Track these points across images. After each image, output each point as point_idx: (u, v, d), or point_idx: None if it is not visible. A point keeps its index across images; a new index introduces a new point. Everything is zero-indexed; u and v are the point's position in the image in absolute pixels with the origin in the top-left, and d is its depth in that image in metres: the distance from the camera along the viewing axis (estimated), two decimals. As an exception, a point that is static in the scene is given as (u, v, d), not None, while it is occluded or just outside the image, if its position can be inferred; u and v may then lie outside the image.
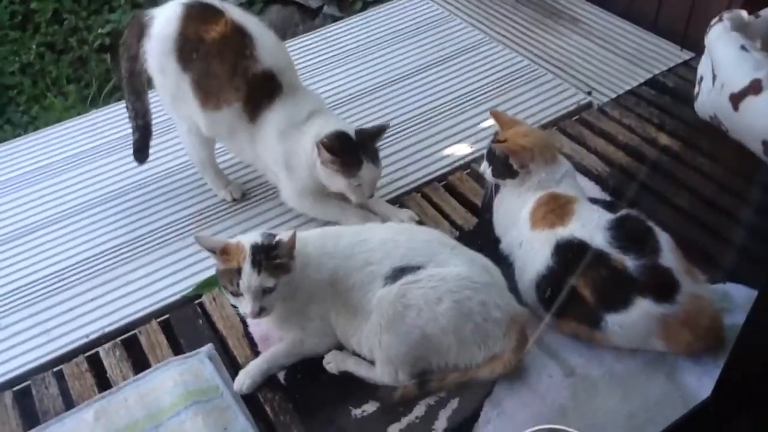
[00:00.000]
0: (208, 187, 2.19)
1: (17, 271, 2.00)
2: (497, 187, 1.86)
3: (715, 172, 2.07)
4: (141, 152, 2.12)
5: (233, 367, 1.68)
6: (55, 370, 1.73)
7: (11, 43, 4.45)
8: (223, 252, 1.50)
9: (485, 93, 2.51)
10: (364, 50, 2.79)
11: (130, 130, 2.15)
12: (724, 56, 2.04)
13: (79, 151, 2.42)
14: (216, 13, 1.89)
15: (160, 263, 1.99)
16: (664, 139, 2.22)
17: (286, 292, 1.52)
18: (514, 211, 1.79)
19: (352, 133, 1.85)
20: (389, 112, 2.45)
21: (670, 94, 2.40)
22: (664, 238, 1.62)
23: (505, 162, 1.76)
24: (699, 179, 2.06)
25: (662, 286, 1.54)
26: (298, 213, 2.07)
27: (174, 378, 1.63)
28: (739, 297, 1.70)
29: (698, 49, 2.31)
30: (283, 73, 1.92)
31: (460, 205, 2.06)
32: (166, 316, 1.84)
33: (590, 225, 1.63)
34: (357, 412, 1.57)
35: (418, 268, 1.54)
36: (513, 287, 1.69)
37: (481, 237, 1.92)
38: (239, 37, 1.87)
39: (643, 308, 1.53)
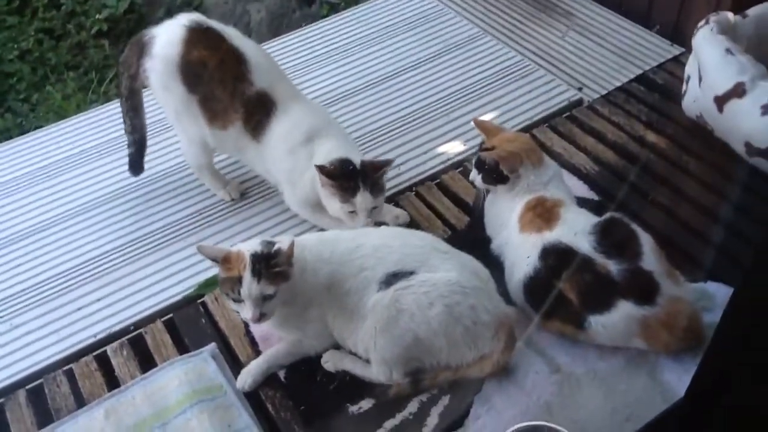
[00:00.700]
0: (206, 187, 2.25)
1: (25, 272, 2.07)
2: (488, 189, 1.93)
3: (700, 172, 2.14)
4: (136, 166, 2.20)
5: (236, 365, 1.76)
6: (65, 368, 1.81)
7: (9, 29, 4.47)
8: (224, 261, 1.57)
9: (477, 90, 2.56)
10: (358, 46, 2.82)
11: None
12: (709, 59, 2.10)
13: (80, 149, 2.48)
14: (217, 38, 1.97)
15: (163, 263, 2.07)
16: (651, 137, 2.28)
17: (286, 297, 1.60)
18: (504, 213, 1.86)
19: (357, 159, 1.90)
20: (382, 110, 2.51)
21: (659, 91, 2.46)
22: (646, 241, 1.69)
23: (496, 169, 1.82)
24: (684, 179, 2.13)
25: (643, 289, 1.62)
26: (296, 213, 2.14)
27: (179, 377, 1.71)
28: (720, 296, 1.78)
29: (689, 44, 2.34)
30: (277, 91, 1.99)
31: (453, 205, 2.12)
32: (170, 315, 1.91)
33: (575, 229, 1.70)
34: (354, 408, 1.65)
35: (411, 273, 1.61)
36: (503, 286, 1.77)
37: (472, 236, 1.99)
38: (237, 61, 1.95)
39: (624, 310, 1.61)
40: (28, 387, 1.78)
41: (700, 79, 2.15)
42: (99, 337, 1.89)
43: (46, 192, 2.33)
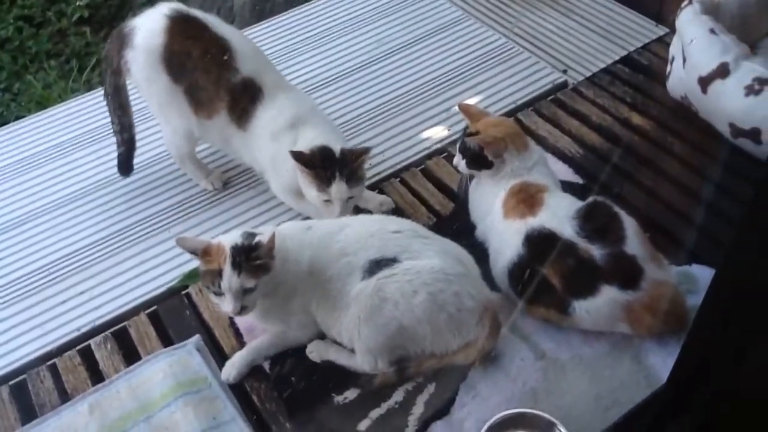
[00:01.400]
0: (188, 177, 2.23)
1: (6, 266, 2.05)
2: (472, 175, 1.92)
3: (685, 153, 2.13)
4: (126, 166, 2.17)
5: (220, 357, 1.75)
6: (49, 363, 1.79)
7: (-13, 17, 4.40)
8: (204, 253, 1.56)
9: (462, 73, 2.54)
10: (341, 30, 2.79)
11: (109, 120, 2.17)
12: (693, 39, 2.08)
13: (59, 141, 2.44)
14: (200, 27, 1.94)
15: (147, 254, 2.05)
16: (636, 119, 2.27)
17: (267, 289, 1.58)
18: (489, 199, 1.85)
19: (338, 148, 1.87)
20: (366, 96, 2.48)
21: (644, 72, 2.44)
22: (629, 225, 1.68)
23: (480, 154, 1.81)
24: (669, 160, 2.12)
25: (627, 274, 1.62)
26: (280, 202, 2.12)
27: (164, 370, 1.70)
28: (703, 278, 1.78)
29: (673, 24, 2.32)
30: (263, 79, 1.96)
31: (438, 191, 2.11)
32: (154, 307, 1.90)
33: (559, 215, 1.69)
34: (339, 398, 1.65)
35: (394, 260, 1.60)
36: (488, 272, 1.77)
37: (457, 222, 1.99)
38: (221, 49, 1.93)
39: (608, 295, 1.61)
40: (11, 383, 1.77)
41: (684, 60, 2.14)
42: (82, 330, 1.88)
43: (26, 184, 2.30)
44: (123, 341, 1.82)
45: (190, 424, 1.60)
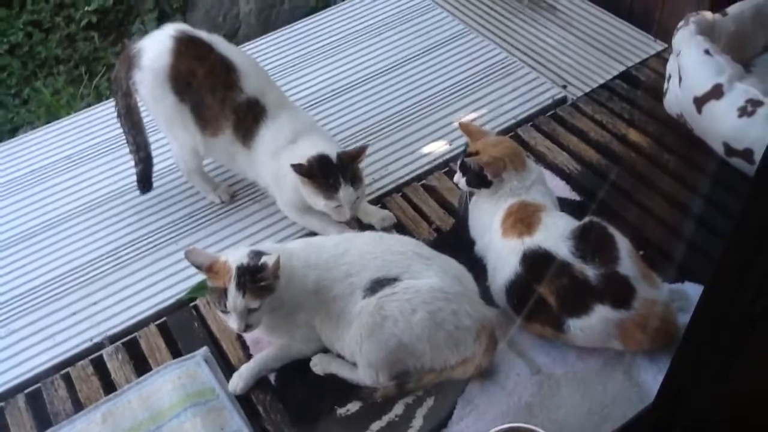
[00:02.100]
0: (196, 189, 2.29)
1: (19, 277, 2.12)
2: (471, 192, 1.98)
3: (681, 171, 2.18)
4: (145, 183, 2.23)
5: (227, 368, 1.82)
6: (62, 373, 1.86)
7: (-3, 22, 4.47)
8: (209, 270, 1.62)
9: (464, 88, 2.59)
10: (345, 44, 2.84)
11: (120, 131, 2.24)
12: (688, 60, 2.13)
13: (69, 153, 2.51)
14: (205, 47, 2.01)
15: (156, 266, 2.11)
16: (633, 135, 2.32)
17: (273, 306, 1.65)
18: (488, 217, 1.91)
19: (334, 154, 1.94)
20: (369, 110, 2.54)
21: (641, 88, 2.49)
22: (623, 246, 1.74)
23: (480, 173, 1.87)
24: (665, 178, 2.17)
25: (620, 294, 1.67)
26: (283, 216, 2.19)
27: (173, 381, 1.77)
28: (696, 296, 1.76)
29: (671, 40, 2.37)
30: (266, 98, 2.02)
31: (439, 206, 2.17)
32: (164, 319, 1.96)
33: (555, 235, 1.75)
34: (342, 410, 1.71)
35: (395, 279, 1.66)
36: (486, 288, 1.83)
37: (457, 238, 2.04)
38: (226, 69, 1.99)
39: (601, 314, 1.67)
40: (26, 391, 1.84)
41: (680, 79, 2.19)
42: (94, 341, 1.94)
43: (37, 196, 2.36)
44: (134, 352, 1.89)
45: (198, 434, 1.67)
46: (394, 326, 1.63)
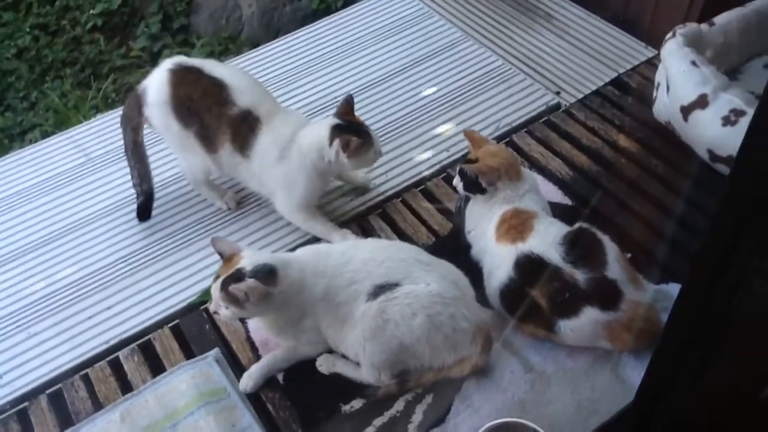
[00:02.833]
0: (203, 197, 2.40)
1: (38, 282, 2.20)
2: (468, 197, 2.08)
3: (668, 176, 2.28)
4: (144, 214, 2.34)
5: (238, 369, 1.92)
6: (82, 374, 1.96)
7: (5, 26, 4.55)
8: (228, 260, 1.77)
9: (461, 95, 2.68)
10: (344, 52, 2.92)
11: None
12: (675, 71, 2.23)
13: (83, 161, 2.59)
14: (195, 73, 2.14)
15: (168, 271, 2.21)
16: (624, 141, 2.42)
17: (260, 313, 1.80)
18: (483, 223, 2.01)
19: (337, 122, 2.11)
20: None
21: (632, 94, 2.59)
22: (611, 251, 1.84)
23: (475, 181, 1.97)
24: (653, 183, 2.27)
25: (608, 296, 1.77)
26: (288, 221, 2.29)
27: (187, 381, 1.88)
28: None
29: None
30: (259, 108, 2.13)
31: (437, 212, 2.27)
32: (176, 321, 2.07)
33: (547, 240, 1.85)
34: (346, 407, 1.82)
35: (396, 284, 1.77)
36: (482, 290, 1.93)
37: (455, 242, 2.14)
38: (217, 88, 2.11)
39: (590, 316, 1.77)
40: (48, 391, 1.94)
41: (668, 89, 2.28)
42: (111, 343, 2.05)
43: (55, 203, 2.45)
44: (149, 354, 1.99)
45: (211, 431, 1.77)
46: (395, 329, 1.73)
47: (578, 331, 1.80)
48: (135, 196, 2.33)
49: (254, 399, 1.86)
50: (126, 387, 1.92)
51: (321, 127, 2.11)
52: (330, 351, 1.90)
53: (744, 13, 2.40)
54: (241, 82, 2.17)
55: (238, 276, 1.71)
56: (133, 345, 2.02)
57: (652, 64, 2.67)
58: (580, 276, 1.79)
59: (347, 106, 2.15)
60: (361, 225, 2.26)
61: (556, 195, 2.26)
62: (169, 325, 2.06)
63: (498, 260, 1.90)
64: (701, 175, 2.24)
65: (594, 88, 2.65)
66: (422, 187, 2.37)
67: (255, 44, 3.89)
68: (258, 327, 1.96)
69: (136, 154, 2.26)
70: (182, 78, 2.13)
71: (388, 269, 1.80)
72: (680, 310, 1.35)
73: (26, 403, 1.91)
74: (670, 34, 2.30)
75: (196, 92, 2.11)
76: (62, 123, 3.82)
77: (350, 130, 2.08)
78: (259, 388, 1.87)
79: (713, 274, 1.20)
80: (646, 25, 2.84)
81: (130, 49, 4.43)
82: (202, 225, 2.34)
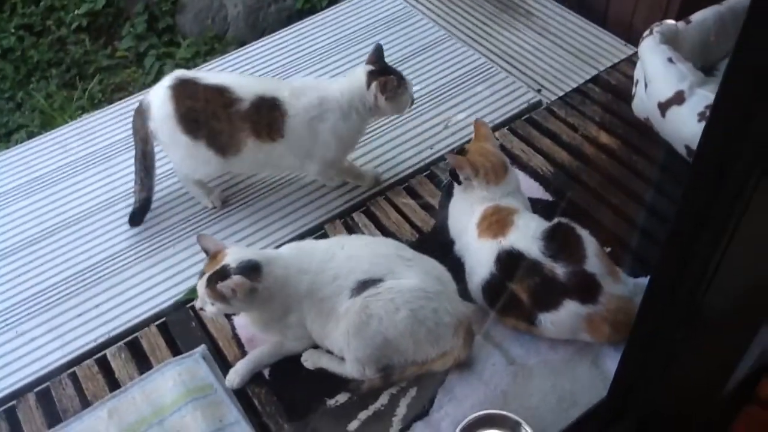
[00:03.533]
0: (190, 195, 2.42)
1: (25, 282, 2.23)
2: (450, 192, 2.11)
3: (648, 172, 2.33)
4: (138, 219, 2.35)
5: (224, 365, 1.95)
6: (69, 372, 1.98)
7: (-11, 27, 4.54)
8: (213, 257, 1.79)
9: (444, 93, 2.72)
10: (328, 51, 2.95)
11: (120, 137, 2.49)
12: (652, 67, 2.27)
13: (69, 161, 2.61)
14: (193, 84, 2.16)
15: (154, 269, 2.23)
16: (604, 138, 2.46)
17: (245, 308, 1.82)
18: (465, 219, 2.04)
19: (370, 68, 2.20)
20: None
21: (612, 91, 2.63)
22: (590, 245, 1.88)
23: (452, 170, 2.01)
24: (633, 178, 2.32)
25: (587, 290, 1.81)
26: (276, 218, 2.32)
27: (174, 378, 1.90)
28: None
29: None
30: (269, 89, 2.16)
31: (420, 208, 2.30)
32: (163, 319, 2.09)
33: (527, 236, 1.88)
34: (331, 402, 1.85)
35: (380, 280, 1.80)
36: (465, 285, 1.96)
37: (438, 238, 2.17)
38: (218, 92, 2.13)
39: (570, 309, 1.81)
40: (36, 390, 1.96)
41: (646, 85, 2.32)
42: (99, 341, 2.07)
43: (40, 203, 2.47)
44: (136, 351, 2.01)
45: (199, 427, 1.79)
46: (378, 324, 1.76)
47: (559, 324, 1.84)
48: (127, 197, 2.37)
49: (241, 394, 1.89)
50: (113, 384, 1.94)
51: (355, 76, 2.19)
52: (315, 346, 1.93)
53: (719, 10, 2.44)
54: (239, 79, 2.20)
55: (223, 273, 1.73)
56: (121, 343, 2.05)
57: (632, 61, 2.70)
58: (559, 270, 1.82)
59: (377, 54, 2.21)
60: (345, 222, 2.28)
61: (537, 191, 2.29)
62: (156, 322, 2.09)
63: (480, 256, 1.94)
64: (679, 171, 2.28)
65: (575, 85, 2.69)
66: (406, 184, 2.40)
67: (241, 43, 3.89)
68: (244, 324, 1.99)
69: (144, 163, 2.30)
70: (182, 91, 2.16)
71: (372, 265, 1.83)
72: (648, 300, 1.39)
73: (14, 401, 1.93)
74: (647, 32, 2.34)
75: (199, 102, 2.14)
76: (48, 124, 3.82)
77: (384, 73, 2.16)
78: (246, 383, 1.90)
79: (678, 265, 1.23)
80: (625, 22, 2.89)
81: (115, 49, 4.43)
82: (188, 223, 2.36)
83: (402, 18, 3.07)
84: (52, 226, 2.39)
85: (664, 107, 2.24)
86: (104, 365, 2.00)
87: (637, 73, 2.44)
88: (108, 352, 2.02)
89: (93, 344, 2.06)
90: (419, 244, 2.14)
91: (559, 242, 1.87)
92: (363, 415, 1.82)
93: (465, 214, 2.04)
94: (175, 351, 2.00)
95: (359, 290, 1.79)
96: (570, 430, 1.74)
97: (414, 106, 2.64)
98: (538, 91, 2.71)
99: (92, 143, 2.67)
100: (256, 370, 1.91)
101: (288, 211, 2.37)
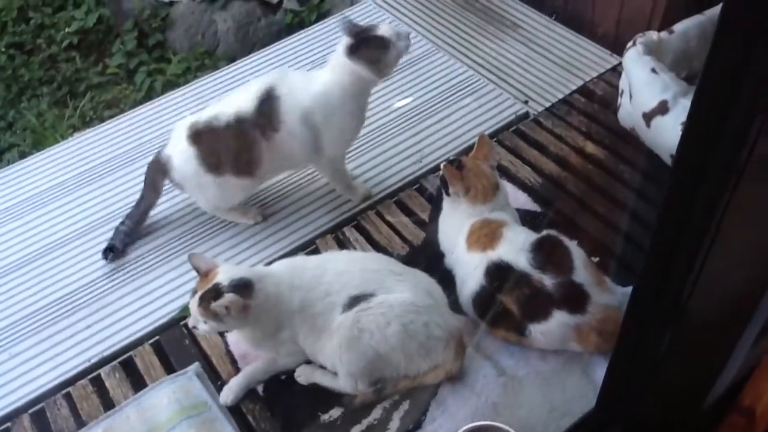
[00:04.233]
0: (185, 210, 2.44)
1: (18, 303, 2.24)
2: (439, 206, 2.14)
3: (634, 181, 2.36)
4: (110, 254, 2.33)
5: (218, 382, 1.96)
6: (64, 392, 1.99)
7: (-20, 46, 4.55)
8: (204, 275, 1.79)
9: (433, 106, 2.74)
10: (319, 65, 2.86)
11: (111, 156, 2.51)
12: (636, 78, 2.30)
13: (63, 179, 2.63)
14: (209, 127, 2.20)
15: (147, 288, 2.24)
16: (590, 148, 2.49)
17: (239, 325, 1.82)
18: (454, 233, 2.06)
19: (350, 41, 2.17)
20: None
21: (598, 102, 2.66)
22: (578, 256, 1.90)
23: (443, 180, 2.03)
24: (619, 188, 2.35)
25: (575, 300, 1.83)
26: (269, 233, 2.34)
27: (168, 396, 1.91)
28: None
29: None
30: (270, 90, 2.18)
31: (410, 222, 2.32)
32: (157, 338, 2.10)
33: (515, 248, 1.90)
34: (325, 417, 1.86)
35: (371, 295, 1.82)
36: (455, 297, 1.99)
37: (428, 251, 2.19)
38: (226, 121, 2.17)
39: (559, 319, 1.83)
40: (30, 411, 1.96)
41: (631, 96, 2.36)
42: (93, 361, 2.08)
43: (33, 223, 2.48)
44: (130, 370, 2.02)
45: (193, 445, 1.81)
46: (370, 338, 1.78)
47: (548, 335, 1.86)
48: (121, 216, 2.39)
49: (235, 411, 1.90)
50: (108, 404, 1.95)
51: (337, 57, 2.17)
52: (308, 362, 1.94)
53: (701, 20, 2.48)
54: (237, 95, 2.23)
55: (216, 291, 1.75)
56: (115, 362, 2.05)
57: (617, 71, 2.74)
58: (548, 281, 1.84)
59: (351, 27, 2.17)
60: (336, 237, 2.30)
61: (525, 202, 2.32)
62: (150, 341, 2.10)
63: (469, 269, 1.96)
64: (665, 180, 2.30)
65: (561, 96, 2.73)
66: (396, 198, 2.42)
67: (231, 59, 3.93)
68: (237, 341, 2.00)
69: (145, 207, 2.34)
70: (198, 134, 2.20)
71: (363, 280, 1.85)
72: (633, 308, 1.41)
73: (8, 424, 1.94)
74: (630, 43, 2.38)
75: (213, 136, 2.18)
76: (40, 143, 3.84)
77: (364, 45, 2.14)
78: (240, 400, 1.91)
79: (661, 272, 1.25)
80: (610, 33, 2.92)
81: (106, 66, 4.45)
82: (179, 242, 2.38)
83: (390, 32, 3.09)
84: (44, 246, 2.40)
85: (648, 117, 2.27)
86: (99, 385, 2.00)
87: (622, 84, 2.47)
88: (102, 371, 2.03)
89: (87, 364, 2.07)
90: (410, 258, 2.16)
91: (547, 254, 1.89)
92: (356, 429, 1.83)
93: (454, 228, 2.06)
94: (169, 369, 2.01)
95: (351, 305, 1.80)
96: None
97: (402, 119, 2.70)
98: (525, 102, 2.74)
99: (84, 163, 2.69)
100: (249, 387, 1.93)
101: (279, 227, 2.39)
